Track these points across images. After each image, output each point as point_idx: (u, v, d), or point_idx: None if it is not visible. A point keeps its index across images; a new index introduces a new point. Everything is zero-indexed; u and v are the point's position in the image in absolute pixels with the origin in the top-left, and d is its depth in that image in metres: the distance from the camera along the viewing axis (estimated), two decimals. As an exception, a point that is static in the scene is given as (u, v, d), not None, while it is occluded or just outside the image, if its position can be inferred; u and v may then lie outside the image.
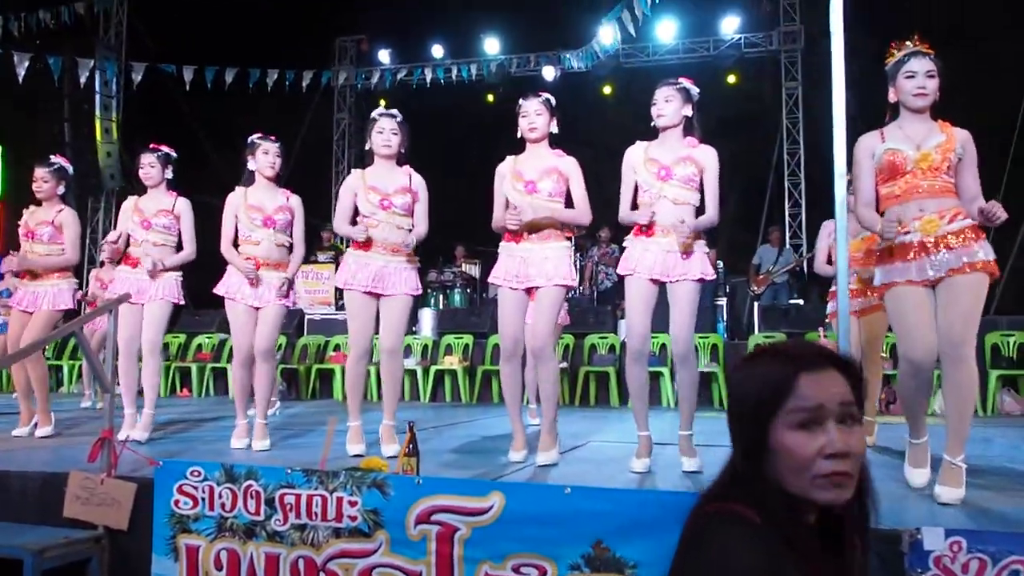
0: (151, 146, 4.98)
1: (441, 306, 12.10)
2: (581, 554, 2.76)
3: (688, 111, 3.91)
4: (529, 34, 15.01)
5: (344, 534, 3.08)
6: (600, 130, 12.36)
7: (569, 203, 4.11)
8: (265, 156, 4.60)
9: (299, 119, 14.95)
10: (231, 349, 5.16)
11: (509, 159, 4.21)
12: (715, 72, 14.35)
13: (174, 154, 5.05)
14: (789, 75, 14.03)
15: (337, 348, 10.42)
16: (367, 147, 4.50)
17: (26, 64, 10.78)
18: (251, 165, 4.65)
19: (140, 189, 5.20)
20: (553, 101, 4.14)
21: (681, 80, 3.94)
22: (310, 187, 12.54)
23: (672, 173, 3.85)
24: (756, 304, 12.37)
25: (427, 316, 11.01)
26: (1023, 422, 6.83)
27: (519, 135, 4.15)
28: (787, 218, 13.99)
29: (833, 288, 5.53)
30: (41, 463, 4.05)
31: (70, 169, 5.29)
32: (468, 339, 9.92)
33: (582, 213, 4.08)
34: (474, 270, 13.11)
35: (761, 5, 14.18)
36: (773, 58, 14.19)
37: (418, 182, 4.54)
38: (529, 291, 4.12)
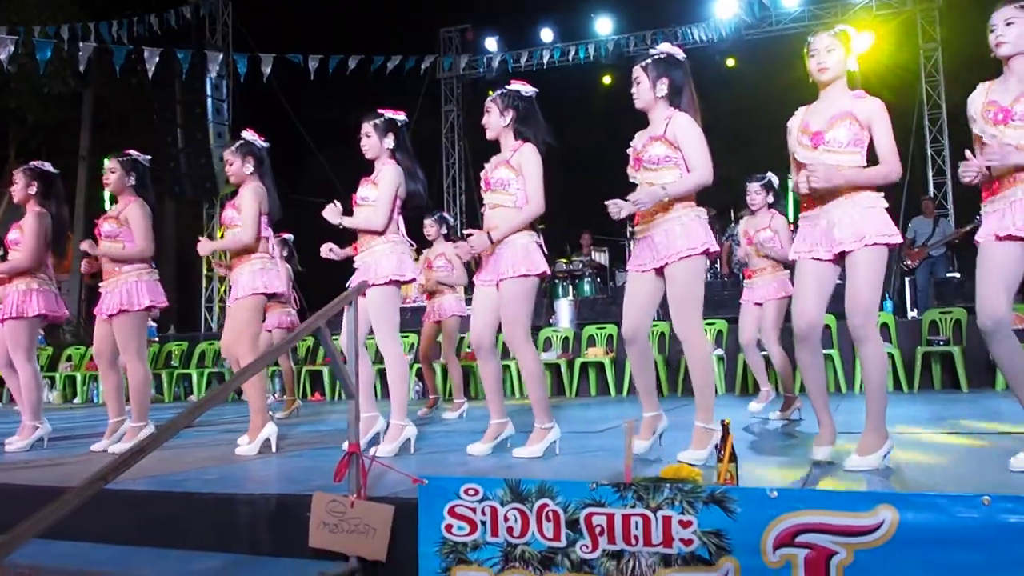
0: (377, 111, 4.28)
1: (571, 296, 11.54)
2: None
3: None
4: (642, 11, 14.37)
5: (677, 562, 2.50)
6: (723, 106, 11.67)
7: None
8: (487, 116, 4.00)
9: (408, 112, 14.58)
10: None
11: (800, 110, 3.52)
12: (844, 38, 13.47)
13: (400, 117, 4.29)
14: (927, 35, 13.04)
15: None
16: None
17: (156, 60, 10.55)
18: None
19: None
20: (852, 32, 3.45)
21: None
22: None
23: (1012, 114, 3.13)
24: (908, 280, 11.50)
25: (564, 307, 10.50)
26: None
27: (810, 79, 3.46)
28: (931, 187, 13.03)
29: None
30: (260, 483, 3.60)
31: (259, 144, 4.64)
32: (612, 329, 9.35)
33: (890, 168, 3.29)
34: (602, 258, 12.55)
35: (894, -37, 13.22)
36: (909, 18, 13.21)
37: (679, 123, 3.59)
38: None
